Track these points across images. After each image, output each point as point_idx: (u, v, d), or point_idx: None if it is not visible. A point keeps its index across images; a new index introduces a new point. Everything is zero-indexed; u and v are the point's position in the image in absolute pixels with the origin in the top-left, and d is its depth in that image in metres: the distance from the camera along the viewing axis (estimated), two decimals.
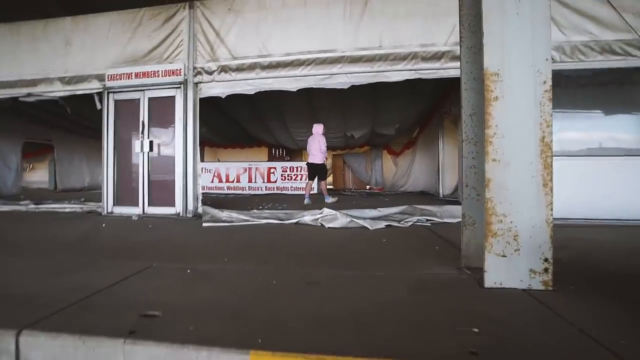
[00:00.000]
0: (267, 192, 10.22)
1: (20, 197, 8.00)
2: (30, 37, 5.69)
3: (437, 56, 4.59)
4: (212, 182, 10.55)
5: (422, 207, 4.55)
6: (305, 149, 13.83)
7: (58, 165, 11.10)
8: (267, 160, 12.79)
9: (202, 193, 10.26)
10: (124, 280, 2.07)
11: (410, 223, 4.09)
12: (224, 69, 5.02)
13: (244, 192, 10.29)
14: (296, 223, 4.09)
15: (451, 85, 7.22)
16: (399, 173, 11.67)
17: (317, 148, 6.88)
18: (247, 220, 4.30)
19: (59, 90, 5.56)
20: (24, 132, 10.07)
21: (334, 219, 3.86)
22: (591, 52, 4.34)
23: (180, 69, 5.07)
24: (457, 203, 7.04)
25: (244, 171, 10.42)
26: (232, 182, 10.46)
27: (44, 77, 5.60)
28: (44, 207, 5.84)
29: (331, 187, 12.68)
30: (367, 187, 12.31)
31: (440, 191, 8.55)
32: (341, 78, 4.80)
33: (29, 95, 5.71)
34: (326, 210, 4.04)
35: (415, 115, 8.73)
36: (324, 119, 8.33)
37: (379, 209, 4.57)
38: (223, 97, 5.09)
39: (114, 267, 2.38)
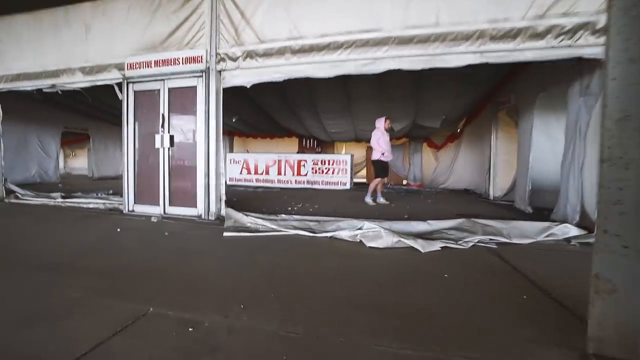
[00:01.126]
0: (297, 185, 9.63)
1: (57, 187, 8.02)
2: (52, 25, 5.34)
3: (510, 34, 3.61)
4: (241, 173, 10.14)
5: (484, 223, 3.69)
6: (340, 141, 13.05)
7: (94, 154, 11.22)
8: (298, 152, 12.18)
9: (231, 185, 9.94)
10: (98, 347, 1.51)
11: (471, 244, 3.27)
12: (249, 55, 4.36)
13: (273, 185, 9.78)
14: (330, 237, 3.41)
15: (512, 71, 6.10)
16: (440, 168, 10.60)
17: (375, 142, 6.25)
18: (274, 230, 3.69)
19: (80, 81, 5.20)
20: (62, 122, 10.17)
21: (376, 236, 3.14)
22: None
23: (201, 56, 4.47)
24: (511, 206, 6.05)
25: (274, 163, 9.88)
26: (261, 174, 9.98)
27: (66, 67, 5.26)
28: (70, 202, 5.62)
29: (364, 181, 11.88)
30: (404, 182, 11.37)
31: (491, 192, 7.49)
32: (387, 63, 3.96)
33: (53, 86, 5.41)
34: (367, 225, 3.32)
35: (465, 106, 7.64)
36: (360, 109, 7.52)
37: (429, 221, 3.77)
38: (248, 86, 4.44)
39: (100, 312, 1.84)
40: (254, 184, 9.96)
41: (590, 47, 3.56)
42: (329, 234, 3.40)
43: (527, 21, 3.58)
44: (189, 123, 4.70)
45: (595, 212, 3.79)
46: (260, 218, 4.09)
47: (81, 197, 5.87)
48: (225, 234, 3.53)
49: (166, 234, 3.66)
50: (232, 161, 10.27)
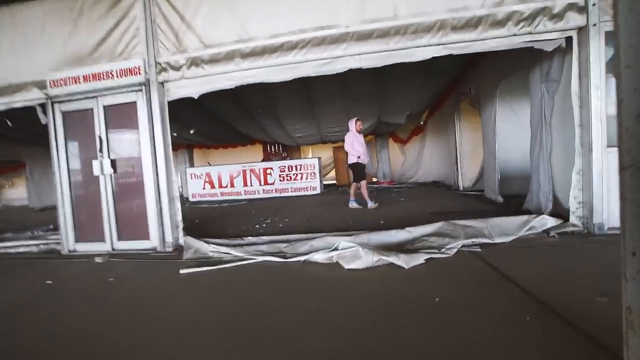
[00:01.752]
0: (265, 195, 9.14)
1: None
2: None
3: (471, 23, 3.42)
4: (204, 189, 9.46)
5: (464, 224, 3.48)
6: (305, 145, 12.62)
7: (32, 183, 9.98)
8: (263, 159, 11.65)
9: (194, 203, 9.21)
10: None
11: (454, 250, 3.03)
12: (194, 62, 3.85)
13: (240, 197, 9.20)
14: (303, 261, 3.02)
15: (472, 61, 6.05)
16: (407, 163, 10.58)
17: (349, 146, 5.83)
18: (240, 259, 3.23)
19: None
20: None
21: (355, 257, 2.79)
22: None
23: (139, 67, 3.88)
24: (482, 196, 6.01)
25: (238, 174, 9.31)
26: (226, 187, 9.37)
27: None
28: None
29: (334, 182, 11.62)
30: (374, 179, 11.24)
31: (460, 183, 7.48)
32: (347, 61, 3.63)
33: None
34: (343, 243, 2.97)
35: (429, 99, 7.57)
36: (323, 111, 7.19)
37: (408, 229, 3.50)
38: (196, 97, 3.93)
39: None
40: (219, 198, 9.32)
41: (549, 32, 3.45)
42: (302, 258, 3.00)
43: (487, 9, 3.40)
44: (132, 144, 4.09)
45: (569, 198, 3.76)
46: (225, 245, 3.61)
47: (11, 239, 5.01)
48: (182, 271, 3.02)
49: (111, 280, 3.07)
50: (192, 176, 9.56)
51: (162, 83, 3.98)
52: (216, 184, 9.41)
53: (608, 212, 3.43)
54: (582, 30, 3.40)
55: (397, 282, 2.50)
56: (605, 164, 3.41)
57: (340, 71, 3.77)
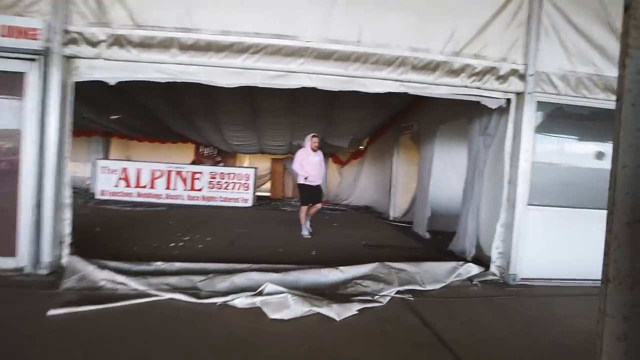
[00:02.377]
0: (191, 202, 8.18)
1: None
2: None
3: (430, 66, 3.39)
4: (117, 186, 8.09)
5: (398, 267, 3.34)
6: (243, 153, 11.72)
7: None
8: (194, 161, 10.57)
9: (103, 201, 7.75)
10: None
11: (388, 298, 2.83)
12: (118, 41, 3.10)
13: (160, 200, 8.08)
14: (221, 305, 2.49)
15: (416, 100, 6.25)
16: (343, 184, 10.61)
17: (297, 165, 5.24)
18: (139, 295, 2.56)
19: None
20: None
21: (282, 305, 2.37)
22: None
23: (36, 29, 2.99)
24: (410, 230, 6.13)
25: (161, 174, 8.20)
26: (145, 187, 8.16)
27: None
28: None
29: (268, 194, 11.08)
30: None
31: (392, 212, 7.63)
32: (301, 79, 3.30)
33: None
34: (269, 287, 2.53)
35: (373, 128, 7.65)
36: (267, 124, 6.73)
37: (341, 268, 3.22)
38: (112, 83, 3.17)
39: None
40: (135, 199, 8.05)
41: (494, 91, 3.61)
42: (219, 300, 2.47)
43: (445, 56, 3.42)
44: (8, 133, 3.10)
45: (491, 248, 3.93)
46: (124, 271, 2.87)
47: None
48: (51, 312, 2.22)
49: None
50: (105, 170, 8.12)
51: (69, 57, 3.13)
52: (133, 182, 8.13)
53: (522, 264, 3.64)
54: (520, 96, 3.62)
55: (327, 340, 2.16)
56: (524, 220, 3.63)
57: (292, 87, 3.42)
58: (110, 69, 3.11)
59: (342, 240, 5.09)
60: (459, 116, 4.93)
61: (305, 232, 5.22)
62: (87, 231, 4.61)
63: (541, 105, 3.65)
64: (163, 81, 3.21)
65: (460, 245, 4.41)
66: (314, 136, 5.25)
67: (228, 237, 4.79)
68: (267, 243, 4.65)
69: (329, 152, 10.14)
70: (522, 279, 3.61)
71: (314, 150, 5.24)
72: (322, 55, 3.25)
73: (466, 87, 3.50)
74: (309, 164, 5.18)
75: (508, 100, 3.67)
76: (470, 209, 4.27)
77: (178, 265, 3.26)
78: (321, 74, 3.29)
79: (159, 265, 3.22)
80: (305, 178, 5.19)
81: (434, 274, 3.39)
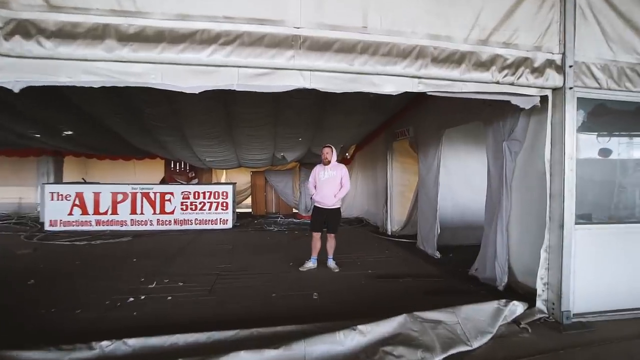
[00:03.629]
0: (161, 227, 7.06)
1: None
2: None
3: (454, 58, 2.64)
4: (71, 214, 6.84)
5: (431, 318, 2.53)
6: (218, 169, 10.53)
7: None
8: (164, 179, 9.39)
9: (53, 233, 6.39)
10: None
11: None
12: (24, 30, 2.11)
13: (124, 228, 6.90)
14: None
15: (412, 101, 5.54)
16: None
17: (332, 186, 4.13)
18: None
19: None
20: None
21: None
22: None
23: None
24: (413, 246, 5.35)
25: (124, 198, 7.02)
26: (105, 213, 6.95)
27: None
28: None
29: (249, 211, 10.05)
30: (294, 210, 10.06)
31: (389, 226, 6.87)
32: (293, 77, 2.43)
33: None
34: None
35: (366, 134, 6.89)
36: (245, 135, 5.77)
37: (360, 328, 2.36)
38: (16, 90, 2.16)
39: None
40: (94, 228, 6.83)
41: (529, 87, 2.91)
42: None
43: (471, 45, 2.69)
44: None
45: (526, 274, 3.11)
46: None
47: None
48: None
49: None
50: (54, 196, 6.85)
51: None
52: (90, 209, 6.89)
53: (574, 296, 2.94)
54: (558, 92, 2.94)
55: None
56: (574, 242, 2.93)
57: (280, 90, 2.55)
58: (12, 68, 2.10)
59: (346, 270, 4.24)
60: (470, 118, 4.24)
61: (310, 265, 4.27)
62: (15, 287, 3.50)
63: (581, 102, 2.99)
64: (97, 86, 2.24)
65: (487, 271, 3.68)
66: (324, 147, 4.25)
67: (206, 279, 3.81)
68: (256, 283, 3.72)
69: (314, 162, 9.28)
70: (575, 314, 2.91)
71: (325, 164, 4.21)
72: (317, 45, 2.40)
73: (497, 83, 2.77)
74: (319, 181, 4.21)
75: (544, 99, 2.99)
76: (498, 228, 3.55)
77: (133, 343, 2.28)
78: (318, 70, 2.44)
79: (105, 347, 2.23)
80: (311, 198, 4.30)
81: (476, 322, 2.61)
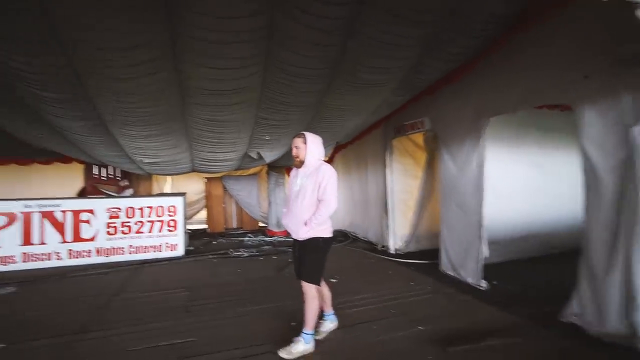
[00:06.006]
0: (75, 262, 4.76)
1: None
2: None
3: None
4: None
5: None
6: (160, 174, 7.83)
7: None
8: (84, 190, 6.89)
9: None
10: None
11: None
12: None
13: (10, 268, 4.47)
14: None
15: (427, 89, 4.21)
16: None
17: (302, 203, 2.35)
18: None
19: None
20: None
21: None
22: None
23: None
24: (435, 268, 3.72)
25: (10, 220, 4.59)
26: None
27: None
28: None
29: (205, 227, 7.93)
30: (260, 224, 8.19)
31: (391, 242, 5.49)
32: None
33: None
34: None
35: (371, 123, 5.43)
36: (206, 124, 3.82)
37: None
38: None
39: None
40: None
41: None
42: None
43: None
44: None
45: None
46: None
47: None
48: None
49: None
50: None
51: None
52: None
53: None
54: None
55: None
56: None
57: None
58: None
59: (384, 330, 2.68)
60: (544, 99, 3.00)
61: (306, 345, 2.35)
62: None
63: None
64: None
65: (606, 322, 2.41)
66: (295, 136, 2.49)
67: None
68: None
69: (284, 164, 7.50)
70: None
71: (297, 166, 2.49)
72: None
73: None
74: (289, 195, 2.52)
75: None
76: (619, 248, 2.31)
77: None
78: None
79: None
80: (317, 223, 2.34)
81: None
